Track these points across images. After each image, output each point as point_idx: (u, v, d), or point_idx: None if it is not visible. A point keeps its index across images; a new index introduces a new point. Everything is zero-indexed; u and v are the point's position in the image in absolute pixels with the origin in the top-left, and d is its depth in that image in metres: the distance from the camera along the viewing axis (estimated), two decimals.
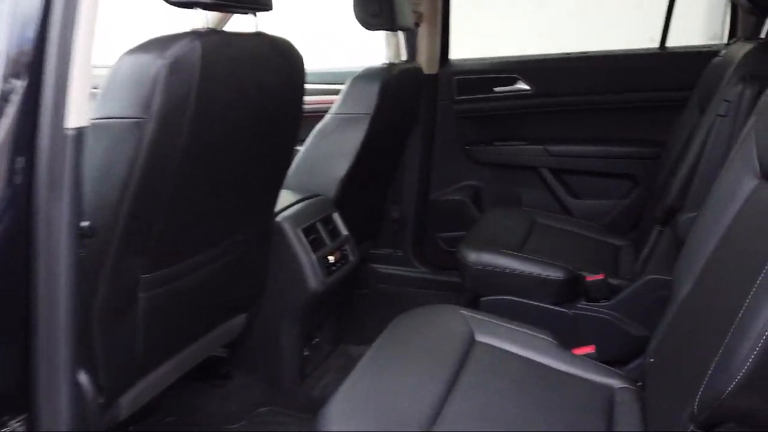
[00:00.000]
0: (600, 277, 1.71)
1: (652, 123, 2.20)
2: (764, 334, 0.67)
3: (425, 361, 1.19)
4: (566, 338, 1.74)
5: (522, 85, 2.31)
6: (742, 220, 1.02)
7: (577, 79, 2.26)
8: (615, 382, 1.23)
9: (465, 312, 1.37)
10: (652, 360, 1.17)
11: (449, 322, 1.34)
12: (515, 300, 1.75)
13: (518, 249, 1.86)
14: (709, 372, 0.76)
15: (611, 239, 2.06)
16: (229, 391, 1.63)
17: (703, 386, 0.77)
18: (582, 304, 1.73)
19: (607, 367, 1.29)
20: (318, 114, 1.90)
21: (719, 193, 1.11)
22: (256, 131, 1.25)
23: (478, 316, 1.36)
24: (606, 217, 2.26)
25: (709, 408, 0.74)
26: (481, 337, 1.30)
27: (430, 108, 2.33)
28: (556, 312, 1.72)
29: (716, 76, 1.72)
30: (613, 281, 1.73)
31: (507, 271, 1.74)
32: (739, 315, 0.74)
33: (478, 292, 1.81)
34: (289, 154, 1.42)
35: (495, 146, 2.39)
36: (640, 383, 1.23)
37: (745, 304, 0.74)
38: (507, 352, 1.27)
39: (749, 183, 1.03)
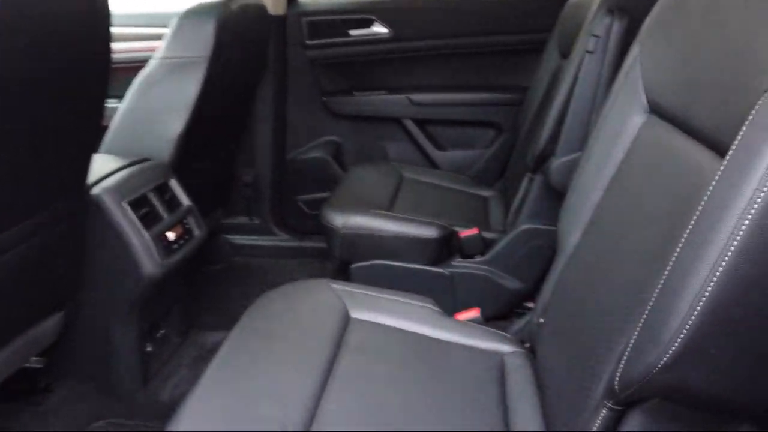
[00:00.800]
0: (474, 231, 1.61)
1: (515, 68, 2.13)
2: (703, 295, 0.55)
3: (295, 348, 0.99)
4: (445, 299, 1.64)
5: (379, 29, 2.11)
6: (633, 161, 0.92)
7: (436, 22, 2.10)
8: (503, 347, 1.11)
9: (337, 286, 1.18)
10: (541, 320, 1.07)
11: (319, 300, 1.14)
12: (388, 264, 1.60)
13: (388, 208, 1.70)
14: (632, 343, 0.64)
15: (479, 191, 1.98)
16: (51, 408, 1.31)
17: (624, 360, 0.65)
18: (457, 261, 1.62)
19: (494, 331, 1.18)
20: (134, 65, 1.56)
21: (602, 133, 1.01)
22: (58, 84, 0.94)
23: (352, 290, 1.18)
24: (472, 167, 2.18)
25: (635, 385, 0.63)
26: (356, 313, 1.13)
27: (280, 54, 2.06)
28: (433, 273, 1.60)
29: (576, 15, 1.65)
30: (486, 235, 1.63)
31: (378, 233, 1.58)
32: (665, 274, 0.63)
33: (347, 259, 1.63)
34: (95, 110, 1.10)
35: (354, 96, 2.20)
36: (528, 344, 1.14)
37: (672, 262, 0.62)
38: (386, 327, 1.11)
39: (637, 119, 0.93)
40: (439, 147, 2.21)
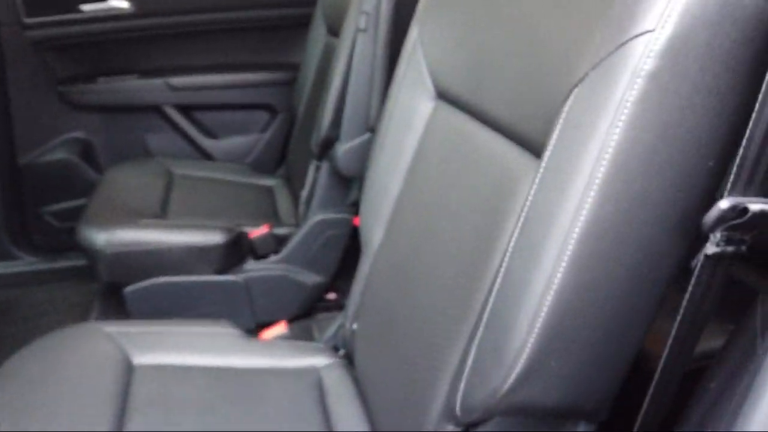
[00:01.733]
0: (264, 230, 1.47)
1: (283, 44, 1.99)
2: (542, 310, 0.51)
3: (70, 421, 0.78)
4: (243, 309, 1.49)
5: (117, 2, 1.80)
6: (428, 151, 0.87)
7: None
8: (318, 360, 1.02)
9: (110, 328, 0.97)
10: (355, 327, 0.99)
11: (91, 351, 0.92)
12: (170, 281, 1.39)
13: (160, 215, 1.47)
14: (470, 365, 0.59)
15: (262, 180, 1.83)
16: None
17: (464, 381, 0.59)
18: (250, 264, 1.48)
19: (304, 343, 1.08)
20: None
21: (393, 121, 0.95)
22: None
23: (129, 329, 0.98)
24: (249, 155, 2.02)
25: (479, 410, 0.58)
26: (140, 358, 0.94)
27: None
28: (224, 283, 1.43)
29: None
30: (278, 231, 1.51)
31: (152, 247, 1.36)
32: (495, 287, 0.58)
33: (118, 282, 1.38)
34: None
35: (99, 84, 1.86)
36: (342, 351, 1.06)
37: (501, 274, 0.58)
38: (180, 368, 0.94)
39: (426, 106, 0.89)
40: (210, 135, 2.00)
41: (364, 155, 1.37)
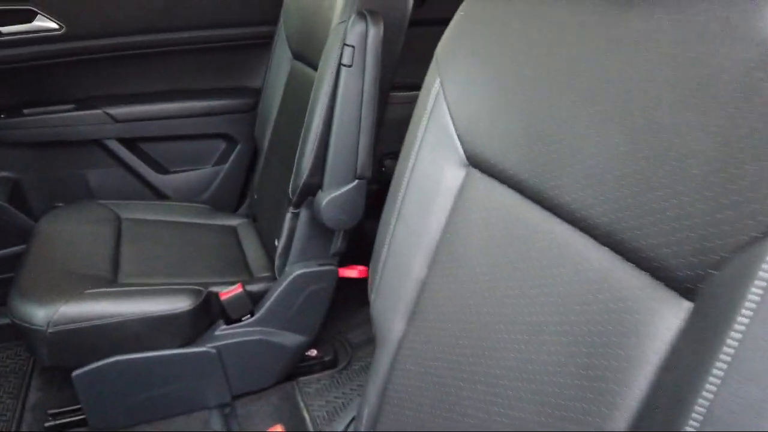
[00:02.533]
0: (237, 289, 1.28)
1: (240, 67, 1.79)
2: None
3: None
4: (217, 382, 1.30)
5: (45, 22, 1.56)
6: (463, 222, 0.73)
7: (126, 14, 1.63)
8: None
9: None
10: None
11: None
12: (129, 360, 1.18)
13: (112, 276, 1.25)
14: None
15: (224, 220, 1.63)
16: None
17: None
18: (222, 330, 1.29)
19: None
20: None
21: (415, 184, 0.79)
22: None
23: None
24: (206, 191, 1.81)
25: None
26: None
27: None
28: (195, 355, 1.24)
29: (304, 10, 1.40)
30: (252, 288, 1.32)
31: (106, 321, 1.15)
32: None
33: (63, 365, 1.16)
34: None
35: (26, 117, 1.61)
36: None
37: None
38: None
39: (456, 173, 0.74)
40: (160, 169, 1.78)
41: (351, 206, 1.21)
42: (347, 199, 1.19)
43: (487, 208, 0.70)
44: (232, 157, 1.81)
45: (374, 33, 1.10)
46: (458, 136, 0.73)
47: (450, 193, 0.74)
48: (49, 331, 1.11)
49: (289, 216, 1.31)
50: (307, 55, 1.40)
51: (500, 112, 0.67)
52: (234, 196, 1.83)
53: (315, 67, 1.38)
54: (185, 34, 1.68)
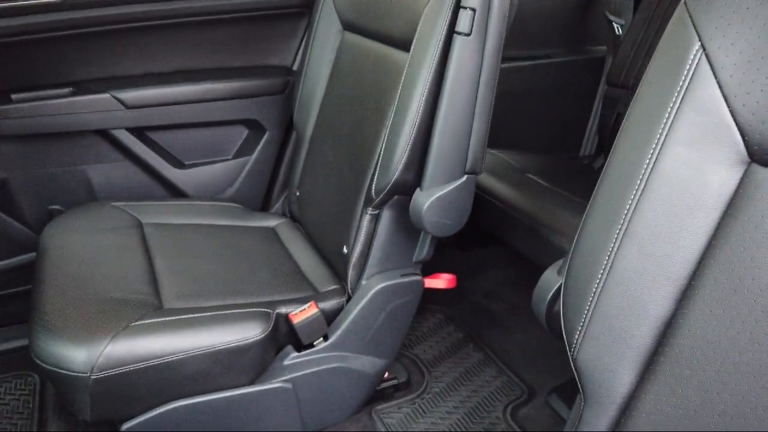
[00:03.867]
0: (311, 309, 1.06)
1: (269, 42, 1.54)
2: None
3: None
4: (289, 420, 1.07)
5: None
6: (743, 238, 0.54)
7: None
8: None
9: None
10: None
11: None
12: (193, 404, 0.95)
13: (158, 304, 1.01)
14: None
15: (261, 220, 1.39)
16: None
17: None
18: (293, 359, 1.06)
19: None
20: None
21: (657, 193, 0.59)
22: None
23: None
24: (230, 187, 1.56)
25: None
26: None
27: None
28: (268, 393, 1.01)
29: None
30: (325, 305, 1.10)
31: (164, 360, 0.90)
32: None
33: (110, 417, 0.92)
34: None
35: (16, 104, 1.32)
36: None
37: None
38: None
39: (730, 174, 0.55)
40: (176, 163, 1.51)
41: (458, 207, 1.00)
42: (454, 200, 0.98)
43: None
44: (259, 147, 1.56)
45: None
46: (738, 125, 0.53)
47: (719, 202, 0.55)
48: (93, 377, 0.86)
49: (367, 218, 1.09)
50: (368, 25, 1.17)
51: None
52: (261, 192, 1.58)
53: (381, 39, 1.15)
54: (203, 3, 1.42)
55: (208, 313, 0.97)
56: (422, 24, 0.97)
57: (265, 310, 1.01)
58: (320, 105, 1.35)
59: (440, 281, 1.14)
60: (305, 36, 1.46)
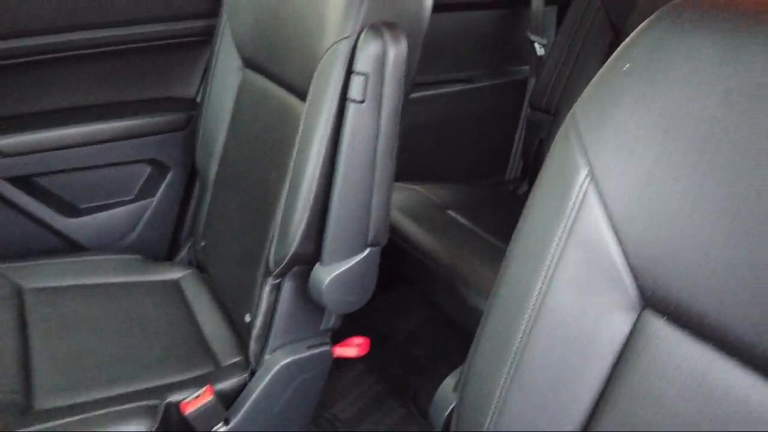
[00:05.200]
0: (205, 396, 0.96)
1: (170, 73, 1.41)
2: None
3: None
4: None
5: None
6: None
7: (12, 2, 1.20)
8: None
9: None
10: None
11: None
12: None
13: (25, 403, 0.89)
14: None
15: (163, 273, 1.28)
16: None
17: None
18: None
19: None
20: None
21: (546, 332, 0.53)
22: None
23: None
24: (129, 234, 1.43)
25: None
26: None
27: None
28: None
29: (271, 10, 1.07)
30: (222, 386, 1.01)
31: None
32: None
33: None
34: None
35: None
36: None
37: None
38: None
39: (622, 319, 0.49)
40: (68, 210, 1.38)
41: (361, 282, 0.93)
42: (357, 275, 0.91)
43: (671, 377, 0.46)
44: (162, 188, 1.44)
45: (395, 54, 0.81)
46: (630, 266, 0.47)
47: (611, 352, 0.49)
48: None
49: (267, 288, 1.00)
50: (267, 65, 1.08)
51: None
52: (166, 238, 1.47)
53: (280, 83, 1.06)
54: (94, 34, 1.28)
55: (83, 416, 0.86)
56: (314, 85, 0.88)
57: (152, 402, 0.91)
58: (223, 147, 1.25)
59: (352, 349, 1.07)
60: (207, 69, 1.34)
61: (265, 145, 1.07)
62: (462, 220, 1.42)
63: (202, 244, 1.29)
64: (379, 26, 0.81)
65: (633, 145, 0.47)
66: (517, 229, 0.54)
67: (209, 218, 1.27)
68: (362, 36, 0.81)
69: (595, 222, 0.48)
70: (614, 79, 0.48)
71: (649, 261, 0.46)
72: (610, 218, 0.48)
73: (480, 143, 1.77)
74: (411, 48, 0.86)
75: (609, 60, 0.49)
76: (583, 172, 0.49)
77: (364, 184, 0.86)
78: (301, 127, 0.90)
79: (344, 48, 0.82)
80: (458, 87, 1.70)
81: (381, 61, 0.81)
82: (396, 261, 1.29)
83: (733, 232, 0.41)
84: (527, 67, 1.79)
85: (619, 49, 0.49)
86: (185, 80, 1.43)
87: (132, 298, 1.18)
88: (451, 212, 1.45)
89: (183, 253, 1.43)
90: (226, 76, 1.23)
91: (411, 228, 1.34)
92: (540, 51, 1.72)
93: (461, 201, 1.50)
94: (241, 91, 1.20)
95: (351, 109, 0.82)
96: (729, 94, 0.41)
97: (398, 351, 1.53)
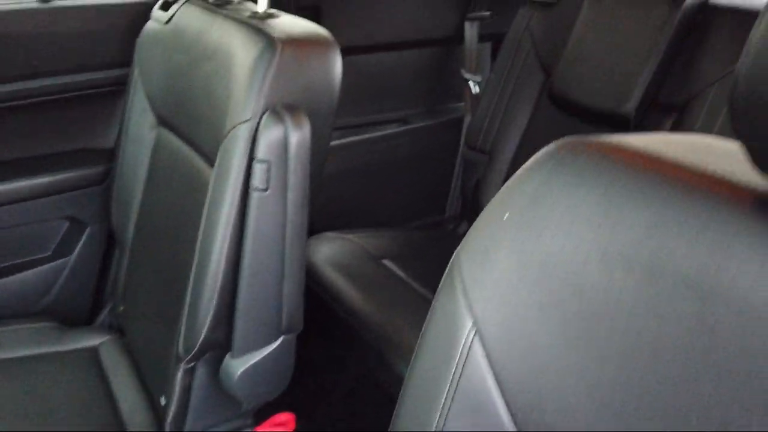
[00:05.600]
0: None
1: (84, 124, 1.34)
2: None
3: None
4: None
5: None
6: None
7: None
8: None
9: None
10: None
11: None
12: None
13: None
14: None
15: (79, 340, 1.19)
16: None
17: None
18: None
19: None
20: None
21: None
22: None
23: None
24: (44, 296, 1.34)
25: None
26: None
27: None
28: None
29: (182, 73, 1.02)
30: None
31: None
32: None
33: None
34: None
35: None
36: None
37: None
38: None
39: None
40: None
41: (275, 373, 0.88)
42: (270, 365, 0.86)
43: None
44: (79, 247, 1.36)
45: (298, 140, 0.76)
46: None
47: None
48: None
49: (180, 373, 0.94)
50: (180, 126, 1.02)
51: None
52: (85, 300, 1.38)
53: (191, 146, 1.01)
54: (3, 88, 1.20)
55: None
56: (218, 167, 0.83)
57: None
58: (140, 206, 1.18)
59: (275, 430, 1.02)
60: (121, 123, 1.28)
61: (179, 212, 1.02)
62: (397, 270, 1.39)
63: (121, 308, 1.22)
64: (281, 110, 0.77)
65: (514, 297, 0.44)
66: (405, 382, 0.51)
67: (127, 281, 1.20)
68: (263, 120, 0.77)
69: (482, 379, 0.45)
70: (494, 227, 0.45)
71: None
72: (495, 374, 0.45)
73: (418, 183, 1.74)
74: (320, 126, 0.82)
75: (490, 204, 0.46)
76: (468, 324, 0.45)
77: (274, 271, 0.81)
78: (205, 211, 0.85)
79: (245, 132, 0.77)
80: (394, 128, 1.67)
81: (283, 147, 0.76)
82: (325, 320, 1.25)
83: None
84: (463, 104, 1.77)
85: (499, 193, 0.46)
86: (102, 132, 1.36)
87: (43, 373, 1.11)
88: (386, 262, 1.42)
89: (104, 314, 1.35)
90: (141, 133, 1.17)
91: (341, 284, 1.29)
92: (475, 89, 1.70)
93: (397, 249, 1.47)
94: (157, 150, 1.14)
95: (254, 198, 0.77)
96: (605, 256, 0.39)
97: (336, 411, 1.47)
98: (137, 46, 1.17)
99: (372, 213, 1.66)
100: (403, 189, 1.73)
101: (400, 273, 1.38)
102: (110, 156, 1.35)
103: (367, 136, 1.60)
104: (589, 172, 0.41)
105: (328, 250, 1.39)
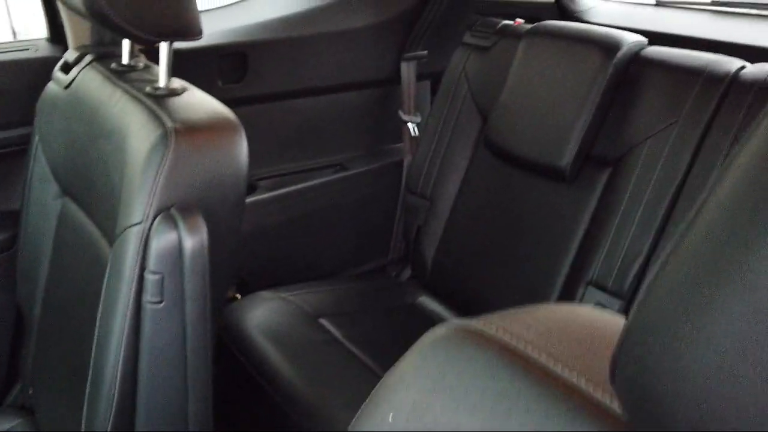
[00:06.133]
0: None
1: None
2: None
3: None
4: None
5: None
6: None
7: None
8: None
9: None
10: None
11: None
12: None
13: None
14: None
15: None
16: None
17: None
18: None
19: None
20: None
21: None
22: None
23: None
24: None
25: None
26: None
27: None
28: None
29: (82, 147, 0.93)
30: None
31: None
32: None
33: None
34: None
35: None
36: None
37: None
38: None
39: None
40: None
41: None
42: None
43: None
44: None
45: (193, 247, 0.69)
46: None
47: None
48: None
49: None
50: (82, 196, 0.94)
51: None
52: None
53: (92, 219, 0.92)
54: None
55: None
56: (110, 273, 0.75)
57: None
58: (46, 283, 1.09)
59: None
60: (23, 190, 1.18)
61: (85, 290, 0.93)
62: (334, 330, 1.32)
63: (30, 391, 1.12)
64: (174, 213, 0.69)
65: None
66: None
67: (36, 364, 1.11)
68: (155, 225, 0.69)
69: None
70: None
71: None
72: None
73: (360, 229, 1.68)
74: (227, 218, 0.75)
75: (370, 402, 0.40)
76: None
77: (176, 383, 0.74)
78: (99, 315, 0.77)
79: (136, 238, 0.70)
80: (332, 174, 1.61)
81: (177, 256, 0.69)
82: (251, 395, 1.18)
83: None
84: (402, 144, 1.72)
85: (378, 389, 0.40)
86: (7, 194, 1.25)
87: None
88: (323, 321, 1.35)
89: (15, 392, 1.25)
90: (45, 201, 1.08)
91: (270, 353, 1.22)
92: (414, 131, 1.65)
93: (335, 305, 1.41)
94: (62, 221, 1.05)
95: (148, 311, 0.70)
96: None
97: None
98: (37, 109, 1.08)
99: (313, 265, 1.59)
100: (345, 236, 1.67)
101: (336, 333, 1.32)
102: (17, 219, 1.25)
103: (304, 185, 1.53)
104: (468, 374, 0.36)
105: (260, 313, 1.32)
